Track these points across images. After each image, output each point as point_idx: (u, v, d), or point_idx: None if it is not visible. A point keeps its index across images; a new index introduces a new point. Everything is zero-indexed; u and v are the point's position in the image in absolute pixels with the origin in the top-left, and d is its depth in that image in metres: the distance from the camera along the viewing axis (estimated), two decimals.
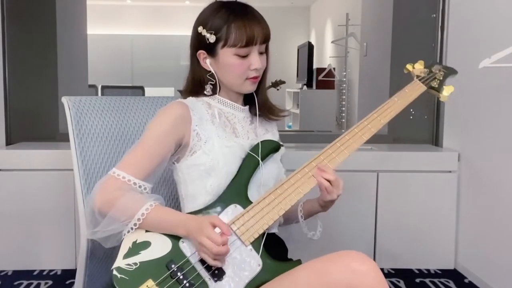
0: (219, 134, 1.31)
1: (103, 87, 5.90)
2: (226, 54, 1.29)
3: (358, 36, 4.64)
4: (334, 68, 5.44)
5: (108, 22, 7.97)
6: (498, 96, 2.25)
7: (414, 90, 1.42)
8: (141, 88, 5.68)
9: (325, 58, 6.66)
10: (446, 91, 1.47)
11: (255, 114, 1.40)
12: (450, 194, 2.57)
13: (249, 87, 1.34)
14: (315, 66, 5.84)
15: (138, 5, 8.18)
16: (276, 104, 1.45)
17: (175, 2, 7.80)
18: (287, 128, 6.12)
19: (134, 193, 1.22)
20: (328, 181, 1.27)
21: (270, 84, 4.75)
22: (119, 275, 1.11)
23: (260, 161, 1.31)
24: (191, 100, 1.36)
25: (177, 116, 1.29)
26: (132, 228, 1.18)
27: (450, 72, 1.51)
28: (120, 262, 1.13)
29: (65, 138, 1.61)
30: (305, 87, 5.76)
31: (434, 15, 2.85)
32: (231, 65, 1.30)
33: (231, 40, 1.27)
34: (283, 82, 4.79)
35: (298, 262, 1.24)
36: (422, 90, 1.43)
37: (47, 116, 3.02)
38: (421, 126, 2.92)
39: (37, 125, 2.99)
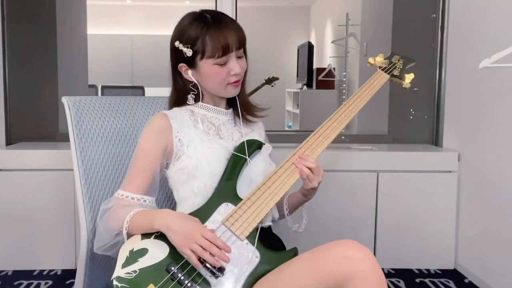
0: (201, 138, 1.36)
1: (103, 87, 5.90)
2: (206, 65, 1.34)
3: (358, 36, 4.64)
4: (334, 68, 5.43)
5: (108, 22, 7.96)
6: (498, 96, 2.25)
7: (379, 80, 1.54)
8: (141, 88, 5.68)
9: (325, 58, 6.65)
10: (408, 78, 1.59)
11: (238, 115, 1.45)
12: (450, 194, 2.57)
13: (232, 91, 1.40)
14: (315, 66, 5.84)
15: (138, 5, 8.17)
16: (257, 104, 1.50)
17: (175, 2, 7.79)
18: (287, 128, 6.12)
19: (126, 206, 1.27)
20: (310, 169, 1.32)
21: (264, 82, 4.75)
22: (119, 285, 1.11)
23: (248, 158, 1.35)
24: (174, 110, 1.43)
25: (158, 128, 1.36)
26: (125, 229, 1.22)
27: (409, 61, 1.63)
28: (119, 271, 1.14)
29: (65, 138, 1.61)
30: (305, 87, 5.75)
31: (434, 15, 2.85)
32: (212, 74, 1.35)
33: (208, 52, 1.32)
34: (277, 79, 4.77)
35: (294, 250, 1.27)
36: (385, 79, 1.56)
37: (47, 116, 3.01)
38: (421, 126, 2.92)
39: (37, 125, 2.99)
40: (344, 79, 5.37)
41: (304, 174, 1.31)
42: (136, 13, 8.16)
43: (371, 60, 1.63)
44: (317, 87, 5.56)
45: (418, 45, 2.95)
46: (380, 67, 1.59)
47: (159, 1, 7.99)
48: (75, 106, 1.48)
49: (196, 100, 1.42)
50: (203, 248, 1.14)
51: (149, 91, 5.77)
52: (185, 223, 1.18)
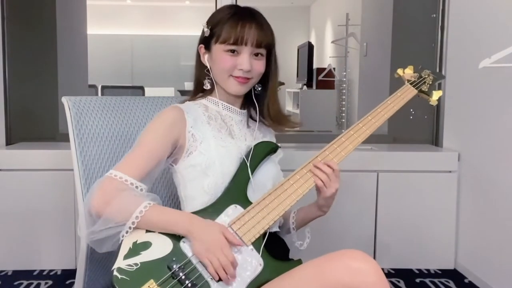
0: (214, 135, 1.34)
1: (103, 87, 5.90)
2: (218, 50, 1.34)
3: (358, 36, 4.64)
4: (334, 68, 5.44)
5: (108, 22, 7.97)
6: (498, 96, 2.25)
7: (405, 94, 1.47)
8: (141, 88, 5.69)
9: (325, 58, 6.66)
10: (435, 95, 1.52)
11: (254, 119, 1.43)
12: (450, 194, 2.57)
13: (235, 87, 1.36)
14: (315, 66, 5.84)
15: (138, 5, 8.18)
16: (289, 115, 1.49)
17: (175, 2, 7.80)
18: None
19: (130, 193, 1.20)
20: (326, 174, 1.29)
21: None
22: (119, 276, 1.11)
23: (249, 170, 1.31)
24: (187, 103, 1.40)
25: (171, 119, 1.31)
26: (130, 228, 1.17)
27: (438, 77, 1.57)
28: (120, 262, 1.13)
29: (65, 138, 1.61)
30: (305, 87, 5.76)
31: (434, 15, 2.85)
32: (221, 59, 1.34)
33: (222, 36, 1.32)
34: (282, 84, 4.81)
35: (299, 261, 1.25)
36: (413, 94, 1.49)
37: (47, 116, 3.02)
38: (421, 126, 2.92)
39: (37, 125, 2.99)
40: (344, 79, 5.37)
41: (319, 181, 1.28)
42: (136, 13, 8.17)
43: (399, 71, 1.56)
44: (317, 87, 5.56)
45: (418, 45, 2.95)
46: (408, 81, 1.52)
47: (159, 1, 7.99)
48: (75, 106, 1.48)
49: (211, 89, 1.40)
50: (220, 264, 1.14)
51: (149, 91, 5.77)
52: (209, 232, 1.16)
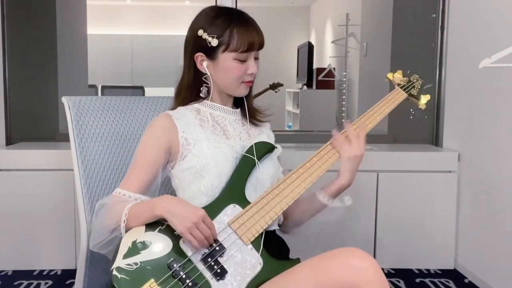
0: (208, 137, 1.35)
1: (103, 87, 5.90)
2: (227, 59, 1.33)
3: (358, 36, 4.64)
4: (334, 68, 5.43)
5: (108, 22, 7.96)
6: (498, 96, 2.25)
7: (396, 97, 1.52)
8: (141, 88, 5.68)
9: (325, 58, 6.65)
10: (424, 99, 1.58)
11: (246, 116, 1.44)
12: (450, 194, 2.57)
13: (243, 91, 1.39)
14: (315, 66, 5.83)
15: (138, 5, 8.17)
16: (261, 107, 1.49)
17: (175, 2, 7.79)
18: (287, 128, 6.12)
19: (125, 201, 1.25)
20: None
21: (268, 86, 4.79)
22: (119, 275, 1.10)
23: (257, 161, 1.32)
24: (178, 110, 1.40)
25: (160, 128, 1.34)
26: (123, 228, 1.20)
27: (426, 82, 1.62)
28: (120, 262, 1.13)
29: (65, 138, 1.61)
30: (305, 87, 5.75)
31: (434, 15, 2.85)
32: (231, 68, 1.33)
33: (233, 45, 1.31)
34: (281, 85, 4.84)
35: (297, 260, 1.25)
36: (403, 98, 1.54)
37: (47, 116, 3.02)
38: (421, 126, 2.92)
39: (37, 125, 2.99)
40: (344, 79, 5.37)
41: (337, 141, 1.33)
42: (136, 13, 8.16)
43: (389, 75, 1.60)
44: (317, 87, 5.56)
45: (418, 45, 2.95)
46: (398, 84, 1.56)
47: (159, 1, 7.98)
48: (75, 106, 1.48)
49: (208, 94, 1.40)
50: (202, 235, 1.15)
51: (149, 91, 5.76)
52: (185, 205, 1.19)
